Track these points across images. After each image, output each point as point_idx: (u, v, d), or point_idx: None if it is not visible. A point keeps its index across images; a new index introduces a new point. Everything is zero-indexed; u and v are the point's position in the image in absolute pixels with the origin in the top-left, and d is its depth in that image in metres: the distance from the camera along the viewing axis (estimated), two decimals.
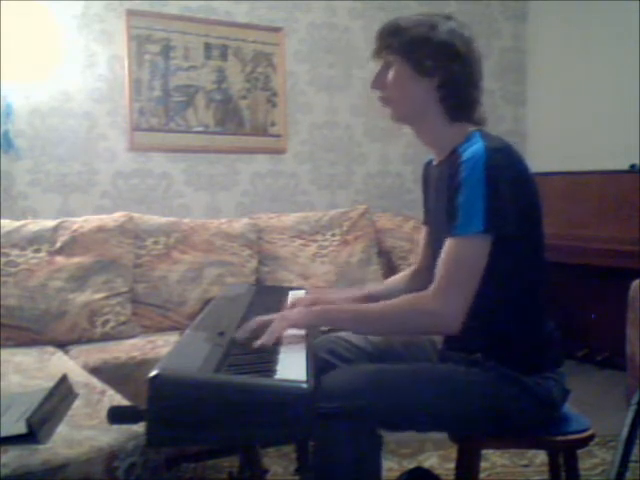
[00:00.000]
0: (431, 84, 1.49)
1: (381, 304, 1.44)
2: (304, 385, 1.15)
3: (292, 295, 1.89)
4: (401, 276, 1.86)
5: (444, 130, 1.53)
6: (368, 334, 1.65)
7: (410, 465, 2.35)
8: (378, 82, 1.55)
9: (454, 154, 1.46)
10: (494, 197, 1.35)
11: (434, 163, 1.62)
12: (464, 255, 1.37)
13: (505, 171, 1.37)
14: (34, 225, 2.63)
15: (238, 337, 1.41)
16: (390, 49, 1.52)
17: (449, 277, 1.36)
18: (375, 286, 1.93)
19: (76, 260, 2.60)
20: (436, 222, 1.60)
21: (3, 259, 2.50)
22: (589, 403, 2.17)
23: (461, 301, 1.35)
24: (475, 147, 1.40)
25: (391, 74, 1.52)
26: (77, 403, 1.63)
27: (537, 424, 1.49)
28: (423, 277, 1.73)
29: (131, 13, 3.09)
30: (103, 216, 2.79)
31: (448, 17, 1.53)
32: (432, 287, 1.37)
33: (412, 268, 1.83)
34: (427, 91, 1.50)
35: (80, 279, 2.58)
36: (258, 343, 1.36)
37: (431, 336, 1.68)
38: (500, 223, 1.35)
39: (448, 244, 1.38)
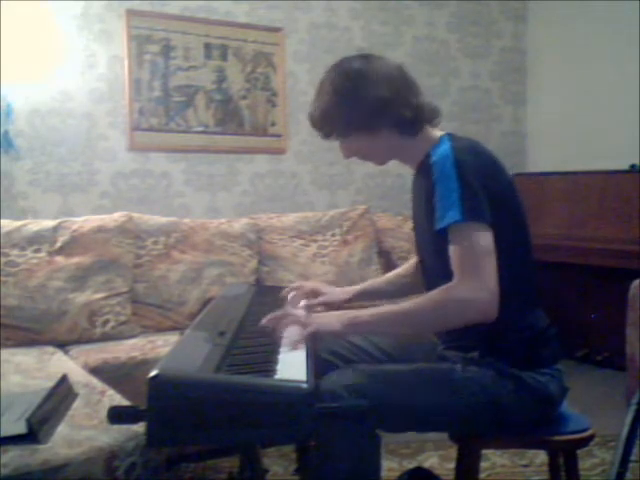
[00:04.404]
0: (385, 131, 1.54)
1: (409, 302, 1.45)
2: (304, 385, 1.15)
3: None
4: (407, 267, 1.88)
5: (415, 144, 1.57)
6: (401, 333, 1.66)
7: (410, 465, 2.35)
8: (347, 153, 1.62)
9: (426, 159, 1.51)
10: (466, 188, 1.39)
11: (413, 172, 1.67)
12: (465, 242, 1.38)
13: (473, 166, 1.42)
14: (34, 225, 2.62)
15: (262, 324, 1.48)
16: (334, 134, 1.57)
17: (464, 266, 1.37)
18: (373, 280, 1.94)
19: (76, 260, 2.60)
20: (417, 222, 1.66)
21: (3, 259, 2.50)
22: (589, 403, 2.18)
23: (487, 284, 1.35)
24: (442, 148, 1.47)
25: (351, 145, 1.58)
26: (77, 403, 1.63)
27: (536, 420, 1.50)
28: None
29: (131, 13, 3.09)
30: (103, 216, 2.79)
31: (350, 63, 1.55)
32: (455, 279, 1.38)
33: (415, 259, 1.84)
34: (388, 136, 1.55)
35: (80, 279, 2.58)
36: (284, 343, 1.40)
37: (432, 336, 1.69)
38: (476, 211, 1.39)
39: (450, 243, 1.40)
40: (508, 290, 1.39)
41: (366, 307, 1.51)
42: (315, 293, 1.81)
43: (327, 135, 1.58)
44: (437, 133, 1.57)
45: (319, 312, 1.64)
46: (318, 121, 1.57)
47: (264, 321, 1.49)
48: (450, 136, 1.54)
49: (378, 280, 1.92)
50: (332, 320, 1.45)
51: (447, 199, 1.39)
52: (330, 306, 1.79)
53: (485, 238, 1.39)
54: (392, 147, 1.58)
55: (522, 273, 1.53)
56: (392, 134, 1.54)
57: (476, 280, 1.36)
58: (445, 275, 1.40)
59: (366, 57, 1.56)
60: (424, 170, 1.52)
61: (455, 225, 1.39)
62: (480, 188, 1.40)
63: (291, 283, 2.79)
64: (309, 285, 1.85)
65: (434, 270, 1.55)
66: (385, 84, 1.50)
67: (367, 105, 1.49)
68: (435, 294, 1.41)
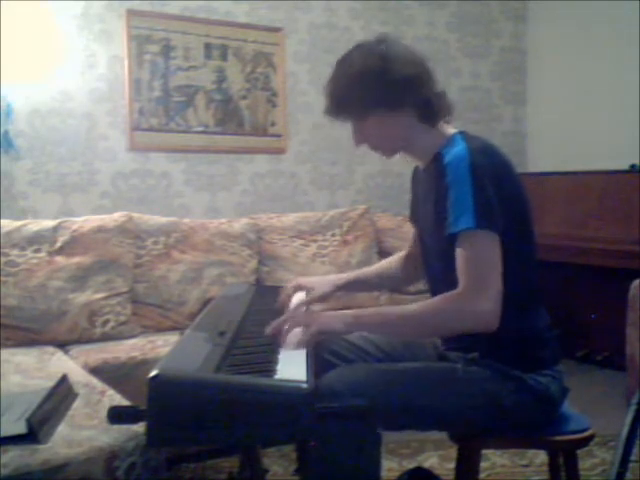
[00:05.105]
0: (407, 113, 1.50)
1: (413, 307, 1.44)
2: (304, 385, 1.15)
3: (296, 297, 1.89)
4: (395, 260, 1.89)
5: (428, 138, 1.55)
6: (401, 337, 1.67)
7: (410, 465, 2.35)
8: (359, 138, 1.57)
9: (438, 157, 1.49)
10: (481, 194, 1.38)
11: (421, 168, 1.65)
12: (474, 250, 1.38)
13: (488, 169, 1.41)
14: (34, 225, 2.62)
15: (267, 333, 1.45)
16: (352, 114, 1.53)
17: (471, 275, 1.37)
18: (364, 271, 1.93)
19: (76, 260, 2.60)
20: (424, 221, 1.64)
21: (3, 259, 2.50)
22: (589, 403, 2.17)
23: (492, 295, 1.35)
24: (457, 149, 1.44)
25: (368, 126, 1.53)
26: (77, 403, 1.63)
27: (536, 421, 1.50)
28: (413, 261, 1.80)
29: (131, 13, 3.09)
30: (103, 216, 2.79)
31: (372, 43, 1.51)
32: (460, 287, 1.37)
33: (404, 252, 1.86)
34: (407, 120, 1.52)
35: (80, 279, 2.58)
36: (288, 346, 1.38)
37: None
38: (489, 219, 1.38)
39: (458, 248, 1.39)
40: (510, 291, 1.38)
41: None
42: (303, 289, 1.79)
43: (344, 115, 1.54)
44: (450, 130, 1.56)
45: (317, 309, 1.64)
46: (337, 99, 1.52)
47: (267, 332, 1.47)
48: (463, 135, 1.52)
49: (368, 271, 1.90)
50: (335, 320, 1.44)
51: (461, 204, 1.38)
52: (322, 300, 1.78)
53: (494, 248, 1.38)
54: (407, 135, 1.54)
55: (525, 273, 1.52)
56: (412, 118, 1.51)
57: (480, 291, 1.35)
58: (450, 279, 1.40)
59: (387, 39, 1.53)
60: (435, 169, 1.50)
61: (466, 232, 1.38)
62: (493, 193, 1.39)
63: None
64: (294, 283, 1.80)
65: (439, 272, 1.54)
66: (410, 64, 1.49)
67: (393, 81, 1.46)
68: (439, 301, 1.41)
